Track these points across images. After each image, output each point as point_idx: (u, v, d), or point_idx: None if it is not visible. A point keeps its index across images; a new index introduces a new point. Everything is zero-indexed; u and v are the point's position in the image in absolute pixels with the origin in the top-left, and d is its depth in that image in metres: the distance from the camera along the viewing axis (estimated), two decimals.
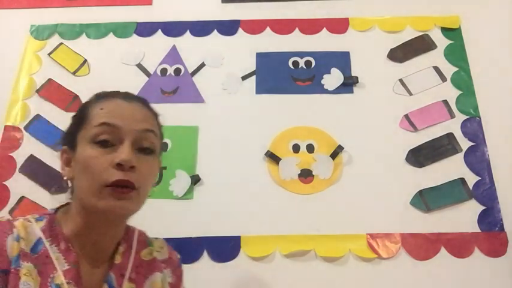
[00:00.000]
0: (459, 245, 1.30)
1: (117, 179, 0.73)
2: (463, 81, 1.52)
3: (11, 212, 1.39)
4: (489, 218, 1.33)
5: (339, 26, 1.64)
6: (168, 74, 1.59)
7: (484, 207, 1.35)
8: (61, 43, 1.65)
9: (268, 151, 1.44)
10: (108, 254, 0.82)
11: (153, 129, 0.81)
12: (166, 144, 1.45)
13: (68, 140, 0.81)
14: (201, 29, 1.66)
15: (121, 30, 1.67)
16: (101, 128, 0.76)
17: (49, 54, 1.63)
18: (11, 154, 1.47)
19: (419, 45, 1.59)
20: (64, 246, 0.77)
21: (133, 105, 0.81)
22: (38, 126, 1.51)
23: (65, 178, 0.81)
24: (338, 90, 1.53)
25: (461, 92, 1.51)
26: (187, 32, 1.66)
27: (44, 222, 0.78)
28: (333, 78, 1.55)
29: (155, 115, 0.86)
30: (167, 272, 0.90)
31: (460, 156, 1.42)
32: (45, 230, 0.77)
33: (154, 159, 0.81)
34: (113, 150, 0.75)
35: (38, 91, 1.57)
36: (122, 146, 0.75)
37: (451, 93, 1.51)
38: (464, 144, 1.44)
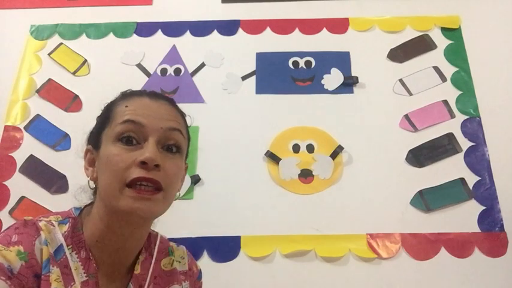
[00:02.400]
0: (459, 245, 1.31)
1: (138, 176, 0.69)
2: (463, 81, 1.53)
3: (11, 212, 1.39)
4: (489, 218, 1.34)
5: (339, 26, 1.64)
6: (168, 74, 1.59)
7: (484, 207, 1.35)
8: (61, 43, 1.65)
9: (268, 151, 1.44)
10: (128, 263, 0.78)
11: (180, 128, 0.78)
12: None
13: (93, 140, 0.78)
14: (201, 29, 1.66)
15: (121, 30, 1.67)
16: (125, 125, 0.73)
17: (49, 54, 1.63)
18: (11, 154, 1.47)
19: (419, 45, 1.59)
20: (84, 255, 0.73)
21: (160, 103, 0.77)
22: (38, 126, 1.51)
23: (88, 179, 0.77)
24: (338, 90, 1.53)
25: (461, 92, 1.51)
26: (187, 32, 1.66)
27: (67, 227, 0.74)
28: (333, 78, 1.55)
29: (182, 115, 0.83)
30: (186, 285, 0.86)
31: (460, 156, 1.42)
32: (67, 237, 0.72)
33: (180, 159, 0.77)
34: (137, 148, 0.72)
35: (38, 91, 1.57)
36: (147, 144, 0.72)
37: (451, 93, 1.51)
38: (464, 144, 1.44)
